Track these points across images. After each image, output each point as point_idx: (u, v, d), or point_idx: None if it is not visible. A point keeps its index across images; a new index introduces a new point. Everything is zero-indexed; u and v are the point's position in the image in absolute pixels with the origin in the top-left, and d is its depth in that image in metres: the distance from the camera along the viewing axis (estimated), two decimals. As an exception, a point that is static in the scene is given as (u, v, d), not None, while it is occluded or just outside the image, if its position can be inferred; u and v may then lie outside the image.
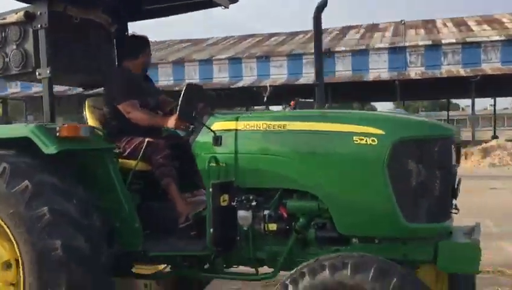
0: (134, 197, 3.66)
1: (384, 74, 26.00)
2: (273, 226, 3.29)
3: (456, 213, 3.28)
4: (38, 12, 3.52)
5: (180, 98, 3.29)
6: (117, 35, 4.37)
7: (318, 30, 3.65)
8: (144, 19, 4.48)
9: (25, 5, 3.62)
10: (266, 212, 3.31)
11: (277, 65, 24.91)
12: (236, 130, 3.41)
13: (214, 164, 3.37)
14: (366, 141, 3.04)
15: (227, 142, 3.41)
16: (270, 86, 19.82)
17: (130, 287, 4.12)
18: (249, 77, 24.36)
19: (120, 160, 3.72)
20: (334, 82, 23.48)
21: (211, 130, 3.43)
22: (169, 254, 3.60)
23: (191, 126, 3.53)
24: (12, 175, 3.12)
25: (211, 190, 3.27)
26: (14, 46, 3.63)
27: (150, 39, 4.30)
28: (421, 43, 27.32)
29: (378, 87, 26.18)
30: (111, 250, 3.39)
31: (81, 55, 4.04)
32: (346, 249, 3.16)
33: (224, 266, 3.60)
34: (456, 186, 3.20)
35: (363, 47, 26.68)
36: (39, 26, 3.52)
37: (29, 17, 3.54)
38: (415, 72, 26.43)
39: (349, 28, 31.25)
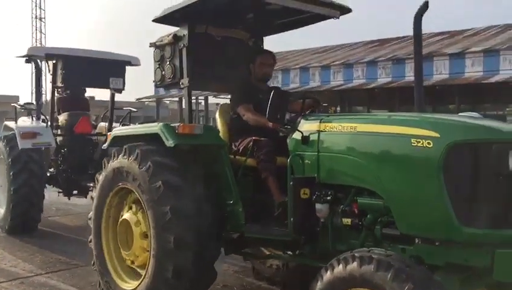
0: (243, 188, 4.16)
1: None
2: (347, 221, 3.50)
3: None
4: (182, 34, 4.31)
5: (269, 103, 3.65)
6: (254, 48, 4.99)
7: (418, 34, 3.63)
8: (276, 33, 5.05)
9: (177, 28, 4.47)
10: (341, 207, 3.55)
11: None
12: (319, 131, 3.68)
13: (300, 161, 3.71)
14: (423, 143, 3.06)
15: (312, 142, 3.70)
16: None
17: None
18: (507, 70, 20.57)
19: (236, 157, 4.31)
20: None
21: (299, 131, 3.76)
22: (260, 236, 4.07)
23: (287, 127, 3.89)
24: (153, 173, 3.90)
25: (291, 183, 3.64)
26: (168, 62, 4.49)
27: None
28: None
29: None
30: (218, 242, 4.05)
31: (221, 66, 4.76)
32: (410, 249, 3.20)
33: (312, 253, 3.87)
34: None
35: None
36: (182, 45, 4.31)
37: (176, 38, 4.36)
38: None
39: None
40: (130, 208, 4.30)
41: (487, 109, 27.28)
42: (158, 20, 4.40)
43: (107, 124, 8.57)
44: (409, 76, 22.53)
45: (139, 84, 8.47)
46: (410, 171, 3.13)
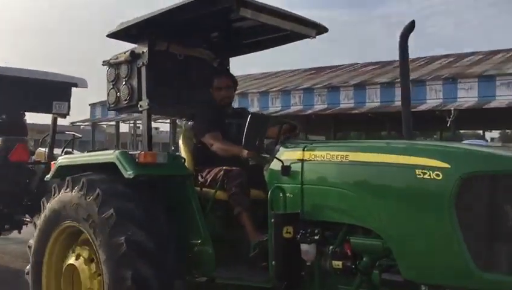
0: (212, 225, 3.59)
1: None
2: (338, 264, 2.94)
3: None
4: (141, 51, 3.75)
5: (245, 129, 3.13)
6: (219, 69, 4.46)
7: (405, 56, 3.21)
8: (243, 54, 4.55)
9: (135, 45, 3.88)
10: (331, 248, 3.00)
11: (465, 87, 21.07)
12: (302, 160, 3.15)
13: (281, 194, 3.16)
14: (430, 175, 2.58)
15: (294, 173, 3.17)
16: (455, 109, 18.61)
17: None
18: (433, 100, 21.35)
19: (203, 189, 3.71)
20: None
21: (279, 160, 3.23)
22: (235, 283, 3.43)
23: (264, 155, 3.35)
24: (103, 202, 3.29)
25: (272, 220, 3.07)
26: (124, 82, 3.90)
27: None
28: None
29: None
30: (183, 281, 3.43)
31: (184, 88, 4.21)
32: None
33: None
34: None
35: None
36: (141, 63, 3.75)
37: (133, 56, 3.79)
38: None
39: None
40: (80, 256, 3.57)
41: (417, 136, 28.18)
42: (113, 35, 3.80)
43: (46, 149, 7.60)
44: (344, 103, 23.00)
45: (72, 107, 7.70)
46: (414, 208, 2.65)
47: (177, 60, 4.09)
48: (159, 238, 3.25)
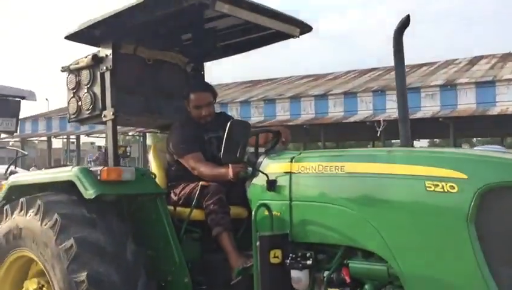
0: (188, 248, 3.11)
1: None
2: None
3: None
4: (105, 55, 3.25)
5: (224, 138, 2.65)
6: (193, 75, 3.93)
7: (400, 55, 2.79)
8: (218, 58, 4.01)
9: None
10: (326, 274, 2.54)
11: (393, 99, 22.17)
12: (290, 172, 2.69)
13: (267, 213, 2.68)
14: (443, 187, 2.16)
15: (281, 187, 2.71)
16: (384, 120, 18.79)
17: None
18: (363, 111, 21.83)
19: (177, 208, 3.22)
20: (455, 116, 20.38)
21: (263, 173, 2.76)
22: None
23: (249, 170, 2.89)
24: (61, 229, 2.82)
25: (258, 243, 2.59)
26: (85, 90, 3.38)
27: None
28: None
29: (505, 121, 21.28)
30: None
31: (154, 96, 3.70)
32: None
33: None
34: None
35: (490, 78, 21.69)
36: (105, 68, 3.25)
37: (96, 60, 3.28)
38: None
39: (481, 57, 25.77)
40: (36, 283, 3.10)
41: (351, 146, 28.91)
42: (72, 37, 3.23)
43: None
44: (280, 115, 23.11)
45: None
46: (425, 226, 2.22)
47: (145, 65, 3.56)
48: (126, 271, 2.78)
